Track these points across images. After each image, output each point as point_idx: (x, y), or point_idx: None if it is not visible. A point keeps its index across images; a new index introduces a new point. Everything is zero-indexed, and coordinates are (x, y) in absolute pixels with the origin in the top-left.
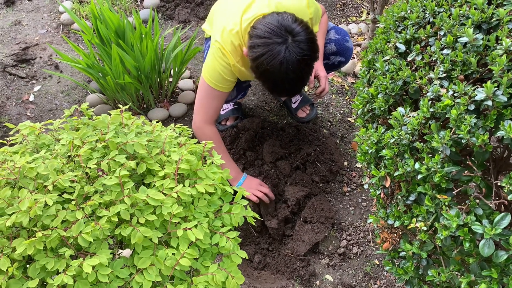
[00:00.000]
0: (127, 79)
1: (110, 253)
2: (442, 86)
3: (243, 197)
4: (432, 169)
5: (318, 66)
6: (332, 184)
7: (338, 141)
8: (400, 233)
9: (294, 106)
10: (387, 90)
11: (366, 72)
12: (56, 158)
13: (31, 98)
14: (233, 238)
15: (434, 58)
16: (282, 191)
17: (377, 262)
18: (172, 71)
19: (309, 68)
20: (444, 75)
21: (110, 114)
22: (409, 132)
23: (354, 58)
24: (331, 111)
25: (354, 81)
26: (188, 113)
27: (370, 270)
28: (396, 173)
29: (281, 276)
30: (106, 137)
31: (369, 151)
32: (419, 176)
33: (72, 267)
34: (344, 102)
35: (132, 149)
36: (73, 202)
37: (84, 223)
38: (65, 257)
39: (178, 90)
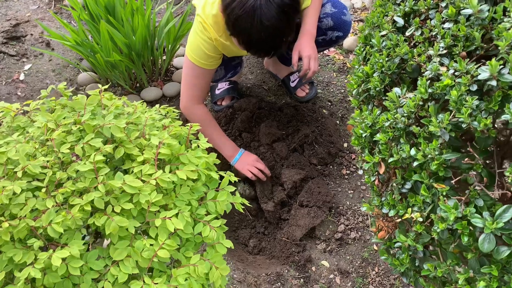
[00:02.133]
0: (116, 57)
1: (84, 244)
2: (442, 64)
3: (230, 183)
4: (429, 155)
5: (303, 45)
6: (331, 167)
7: (338, 121)
8: (396, 221)
9: (292, 85)
10: (383, 69)
11: (362, 49)
12: (29, 142)
13: (22, 77)
14: (218, 226)
15: (434, 33)
16: (279, 174)
17: (375, 247)
18: (165, 48)
19: (288, 18)
20: (445, 51)
21: (87, 95)
22: (405, 114)
23: (356, 34)
24: (332, 90)
25: None
26: None
27: (368, 256)
28: (391, 159)
29: (276, 262)
30: (82, 119)
31: (364, 135)
32: (415, 163)
33: (41, 259)
34: (346, 80)
35: (109, 132)
36: (44, 190)
37: (56, 212)
38: (34, 248)
39: (173, 69)
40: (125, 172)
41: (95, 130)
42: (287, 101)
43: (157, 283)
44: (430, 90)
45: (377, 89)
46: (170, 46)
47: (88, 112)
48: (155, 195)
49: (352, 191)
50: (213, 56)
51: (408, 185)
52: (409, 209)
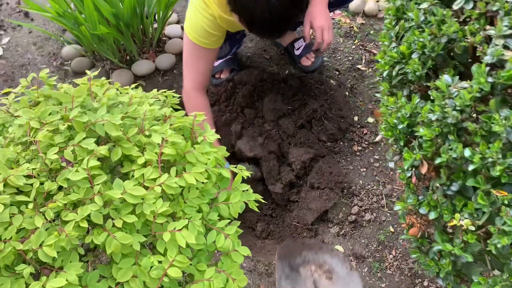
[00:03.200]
0: (103, 30)
1: (83, 264)
2: (506, 48)
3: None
4: (490, 159)
5: (316, 13)
6: (341, 143)
7: (347, 93)
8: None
9: (297, 53)
10: (426, 50)
11: (393, 23)
12: (9, 144)
13: (0, 52)
14: (233, 233)
15: (494, 8)
16: (286, 153)
17: (391, 229)
18: (156, 16)
19: None
20: (510, 31)
21: (75, 85)
22: (457, 108)
23: None
24: (339, 57)
25: (363, 22)
26: (177, 64)
27: (385, 238)
28: (438, 160)
29: None
30: (71, 116)
31: (399, 126)
32: (471, 167)
33: None
34: (353, 46)
35: (103, 131)
36: (31, 205)
37: (46, 230)
38: (24, 276)
39: (165, 38)
40: (124, 176)
41: (86, 128)
42: (291, 72)
43: None
44: (491, 80)
45: (418, 73)
46: (161, 13)
47: (77, 106)
48: (161, 203)
49: (364, 169)
50: (216, 34)
51: (455, 187)
52: (457, 215)
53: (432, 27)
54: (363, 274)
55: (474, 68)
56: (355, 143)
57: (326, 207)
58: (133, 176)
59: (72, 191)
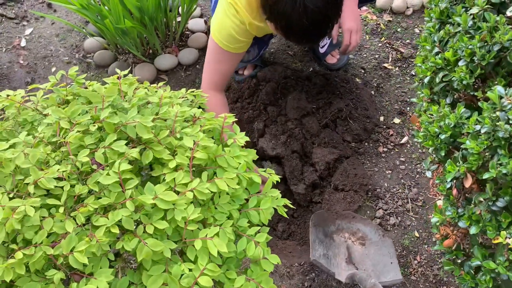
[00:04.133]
0: (128, 24)
1: (112, 270)
2: None
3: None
4: None
5: (345, 13)
6: (366, 144)
7: (373, 92)
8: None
9: (322, 51)
10: (475, 58)
11: (437, 27)
12: (39, 144)
13: (23, 43)
14: (263, 240)
15: None
16: (309, 152)
17: (417, 234)
18: (180, 9)
19: (336, 2)
20: None
21: (103, 83)
22: (510, 122)
23: None
24: (365, 55)
25: (390, 19)
26: (200, 59)
27: (409, 243)
28: (486, 175)
29: (309, 249)
30: (101, 116)
31: (441, 136)
32: None
33: None
34: (380, 44)
35: (134, 133)
36: (61, 209)
37: (77, 234)
38: (54, 282)
39: (188, 32)
40: (155, 179)
41: (117, 130)
42: (315, 69)
43: None
44: None
45: (464, 82)
46: (185, 7)
47: (107, 106)
48: (193, 209)
49: (390, 171)
50: (243, 41)
51: (501, 203)
52: (503, 233)
53: (483, 33)
54: None
55: None
56: (381, 144)
57: (351, 209)
58: (164, 180)
59: (103, 194)
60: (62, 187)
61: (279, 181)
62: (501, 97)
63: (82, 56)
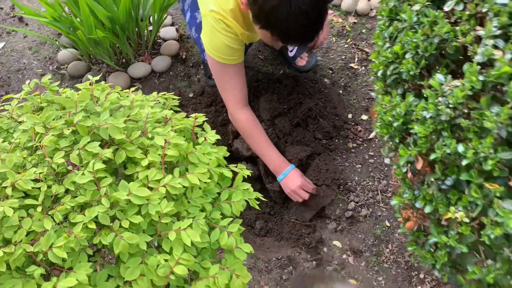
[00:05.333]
0: (100, 34)
1: (91, 264)
2: (496, 47)
3: (244, 179)
4: (482, 154)
5: None
6: (336, 141)
7: (340, 91)
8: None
9: (291, 54)
10: (419, 50)
11: (387, 24)
12: (15, 149)
13: None
14: (236, 231)
15: (484, 9)
16: (283, 151)
17: (388, 224)
18: (151, 18)
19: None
20: (499, 32)
21: (76, 89)
22: (450, 106)
23: None
24: (332, 56)
25: (355, 21)
26: (173, 66)
27: (381, 233)
28: (432, 156)
29: (286, 244)
30: (75, 120)
31: (394, 124)
32: (464, 162)
33: None
34: (346, 45)
35: (106, 134)
36: (39, 208)
37: (55, 232)
38: (35, 277)
39: (160, 40)
40: (129, 177)
41: (90, 132)
42: (285, 72)
43: None
44: (481, 78)
45: (411, 72)
46: (156, 16)
47: (80, 110)
48: (166, 204)
49: (360, 165)
50: (239, 49)
51: (449, 181)
52: (452, 208)
53: (425, 28)
54: (361, 268)
55: (465, 67)
56: (350, 140)
57: (324, 203)
58: (137, 177)
59: (79, 193)
60: (39, 188)
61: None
62: (441, 84)
63: (56, 68)
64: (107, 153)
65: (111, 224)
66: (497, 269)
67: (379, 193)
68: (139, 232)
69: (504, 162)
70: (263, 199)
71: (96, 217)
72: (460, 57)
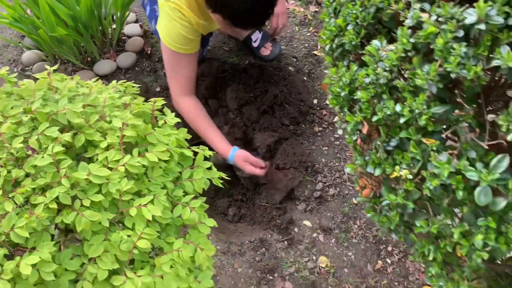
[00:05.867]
0: (62, 31)
1: (56, 244)
2: (423, 10)
3: (206, 158)
4: (417, 110)
5: None
6: (303, 125)
7: (305, 78)
8: (381, 177)
9: (255, 45)
10: (358, 20)
11: (331, 0)
12: None
13: None
14: (198, 206)
15: None
16: (251, 138)
17: (355, 201)
18: (114, 16)
19: None
20: None
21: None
22: (387, 69)
23: None
24: (295, 45)
25: (317, 10)
26: (138, 62)
27: (349, 210)
28: (375, 118)
29: (258, 227)
30: (33, 107)
31: (342, 94)
32: (402, 120)
33: (7, 269)
34: (309, 34)
35: (65, 119)
36: (0, 192)
37: (17, 214)
38: None
39: (124, 38)
40: (89, 160)
41: (49, 118)
42: (251, 62)
43: (140, 275)
44: (412, 40)
45: (353, 43)
46: (119, 13)
47: (39, 98)
48: (126, 182)
49: (326, 148)
50: (194, 39)
51: (393, 142)
52: (397, 167)
53: None
54: (331, 245)
55: (398, 31)
56: (316, 124)
57: (292, 185)
58: (97, 159)
59: (40, 176)
60: None
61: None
62: (378, 50)
63: (21, 70)
64: (66, 136)
65: (73, 204)
66: (440, 221)
67: (345, 173)
68: (101, 211)
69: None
70: (227, 177)
71: (57, 197)
72: (397, 24)
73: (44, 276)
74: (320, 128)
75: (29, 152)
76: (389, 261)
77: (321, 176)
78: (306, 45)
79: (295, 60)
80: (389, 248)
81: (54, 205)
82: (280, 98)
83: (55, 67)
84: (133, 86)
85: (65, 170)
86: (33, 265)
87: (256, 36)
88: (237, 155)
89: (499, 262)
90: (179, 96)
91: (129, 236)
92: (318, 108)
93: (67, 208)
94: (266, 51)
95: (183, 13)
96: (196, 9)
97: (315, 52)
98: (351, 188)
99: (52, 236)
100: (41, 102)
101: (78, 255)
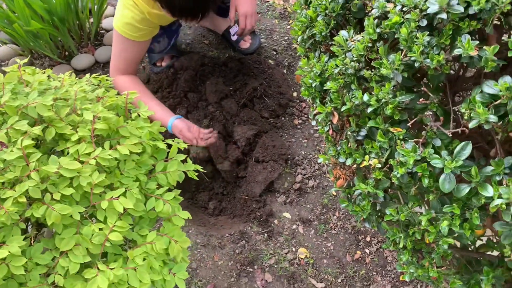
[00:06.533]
0: (37, 25)
1: (26, 238)
2: (388, 1)
3: (180, 151)
4: (383, 99)
5: (241, 1)
6: (283, 118)
7: (285, 71)
8: (353, 168)
9: (234, 38)
10: (327, 11)
11: None
12: None
13: None
14: (172, 199)
15: None
16: (231, 132)
17: (334, 193)
18: (91, 10)
19: None
20: None
21: (4, 73)
22: (354, 59)
23: None
24: (275, 38)
25: None
26: None
27: (328, 202)
28: (344, 108)
29: (238, 220)
30: (2, 101)
31: (313, 84)
32: (369, 109)
33: None
34: (288, 27)
35: (35, 112)
36: None
37: None
38: None
39: (103, 31)
40: (62, 154)
41: (18, 112)
42: (231, 55)
43: (113, 268)
44: (378, 30)
45: (323, 33)
46: (96, 7)
47: (8, 91)
48: (97, 175)
49: (306, 140)
50: (143, 29)
51: (363, 132)
52: (366, 156)
53: None
54: (310, 236)
55: (365, 21)
56: (296, 117)
57: (272, 178)
58: (68, 153)
59: (9, 170)
60: None
61: (200, 158)
62: (346, 40)
63: None
64: (36, 130)
65: (43, 197)
66: (408, 209)
67: (325, 165)
68: (72, 204)
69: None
70: (202, 170)
71: (27, 191)
72: (365, 14)
73: (13, 270)
74: (300, 121)
75: None
76: (367, 251)
77: (301, 168)
78: (286, 38)
79: (275, 53)
80: (368, 239)
81: (23, 199)
82: (259, 91)
83: (26, 60)
84: (107, 79)
85: (35, 164)
86: (3, 259)
87: (235, 29)
88: (175, 124)
89: (470, 249)
90: (115, 75)
91: (101, 229)
92: (298, 101)
93: (38, 202)
94: (245, 44)
95: (135, 2)
96: (152, 1)
97: (296, 45)
98: (330, 180)
99: (25, 230)
100: (10, 96)
101: (49, 249)
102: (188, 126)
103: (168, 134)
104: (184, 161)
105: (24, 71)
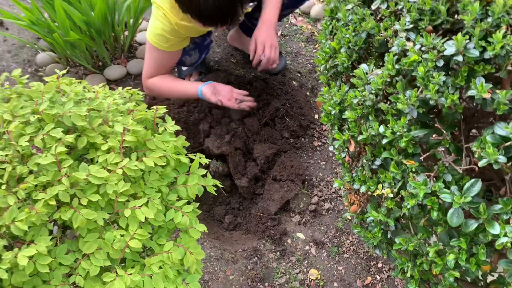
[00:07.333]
0: (75, 36)
1: (52, 239)
2: (408, 39)
3: (201, 165)
4: (398, 133)
5: (259, 32)
6: (303, 139)
7: (308, 93)
8: (367, 195)
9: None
10: (350, 44)
11: (328, 23)
12: None
13: None
14: (190, 211)
15: (400, 7)
16: (251, 149)
17: (349, 217)
18: (127, 23)
19: None
20: (411, 26)
21: (45, 82)
22: (373, 92)
23: (324, 1)
24: (301, 61)
25: None
26: None
27: (342, 225)
28: (360, 137)
29: (252, 236)
30: (40, 109)
31: (333, 112)
32: (384, 141)
33: (6, 259)
34: (314, 50)
35: (70, 121)
36: (4, 186)
37: (19, 208)
38: None
39: (136, 44)
40: (90, 162)
41: (55, 120)
42: (256, 74)
43: (130, 274)
44: (397, 66)
45: (345, 65)
46: (131, 21)
47: (46, 100)
48: (123, 184)
49: (324, 162)
50: (172, 39)
51: (378, 162)
52: (380, 185)
53: (355, 24)
54: (322, 258)
55: (385, 57)
56: (316, 139)
57: (288, 197)
58: (97, 161)
59: (42, 174)
60: (4, 169)
61: (220, 173)
62: (366, 73)
63: (34, 70)
64: (70, 137)
65: (71, 202)
66: (417, 239)
67: (341, 188)
68: (98, 210)
69: (418, 141)
70: (221, 185)
71: (57, 195)
72: (386, 50)
73: (39, 268)
74: (319, 143)
75: (34, 151)
76: (378, 277)
77: (317, 190)
78: (311, 61)
79: (299, 75)
80: (379, 265)
81: (53, 202)
82: (282, 111)
83: (64, 71)
84: (138, 93)
85: (66, 170)
86: (30, 257)
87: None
88: (205, 87)
89: (480, 285)
90: (146, 80)
91: (122, 235)
92: (319, 124)
93: (66, 206)
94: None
95: (165, 14)
96: (178, 10)
97: (318, 72)
98: (345, 203)
99: (51, 231)
100: (48, 104)
101: (73, 250)
102: (213, 90)
103: (190, 149)
104: (204, 175)
105: (62, 81)
